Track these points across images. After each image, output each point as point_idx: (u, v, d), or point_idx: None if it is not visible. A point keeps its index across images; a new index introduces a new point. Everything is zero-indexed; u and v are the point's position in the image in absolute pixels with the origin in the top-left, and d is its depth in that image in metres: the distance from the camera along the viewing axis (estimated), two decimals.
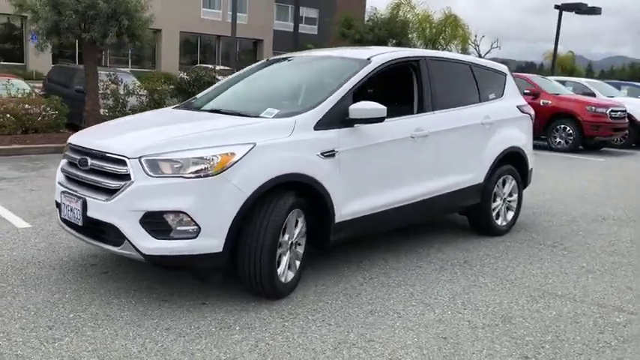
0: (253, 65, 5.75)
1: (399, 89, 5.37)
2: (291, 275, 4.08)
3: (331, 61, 5.16)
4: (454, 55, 5.92)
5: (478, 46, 31.39)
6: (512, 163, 5.96)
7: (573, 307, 4.08)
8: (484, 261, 5.07)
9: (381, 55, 4.84)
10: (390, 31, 18.71)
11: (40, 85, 16.12)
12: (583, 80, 17.57)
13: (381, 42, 18.34)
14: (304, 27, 43.10)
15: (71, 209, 3.92)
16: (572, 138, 13.68)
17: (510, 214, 6.05)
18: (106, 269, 4.41)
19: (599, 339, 3.60)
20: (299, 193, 4.02)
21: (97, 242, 3.86)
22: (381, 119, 4.33)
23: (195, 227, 3.57)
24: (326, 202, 4.15)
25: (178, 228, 3.58)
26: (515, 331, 3.65)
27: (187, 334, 3.40)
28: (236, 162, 3.67)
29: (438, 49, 20.94)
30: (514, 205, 6.06)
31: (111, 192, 3.68)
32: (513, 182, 5.97)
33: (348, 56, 5.05)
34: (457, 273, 4.72)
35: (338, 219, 4.26)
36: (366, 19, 21.14)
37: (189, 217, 3.56)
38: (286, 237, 3.96)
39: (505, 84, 6.08)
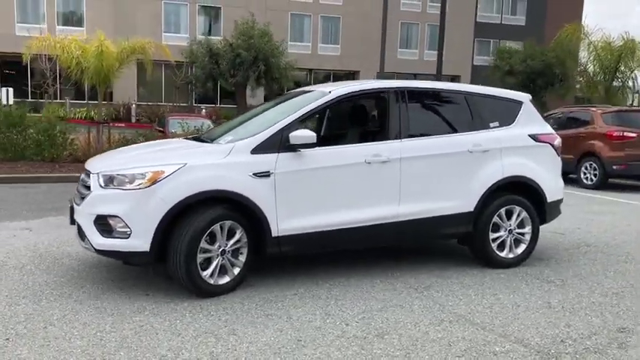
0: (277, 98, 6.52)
1: (361, 118, 5.67)
2: (226, 279, 4.70)
3: (310, 93, 5.68)
4: (444, 85, 5.92)
5: None
6: (519, 193, 5.76)
7: (482, 338, 3.99)
8: (449, 288, 5.05)
9: (343, 88, 5.26)
10: (545, 61, 17.72)
11: None
12: None
13: (535, 72, 17.49)
14: None
15: (70, 215, 5.07)
16: None
17: (521, 248, 5.80)
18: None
19: None
20: (233, 207, 4.66)
21: (79, 239, 4.93)
22: (312, 145, 4.78)
23: (128, 230, 4.43)
24: (259, 217, 4.70)
25: (117, 229, 4.48)
26: (383, 348, 3.78)
27: (121, 314, 4.22)
28: (164, 178, 4.46)
29: (619, 79, 19.18)
30: (526, 238, 5.80)
31: (83, 199, 4.74)
32: (524, 214, 5.75)
33: (320, 89, 5.54)
34: (401, 295, 4.83)
35: (275, 233, 4.77)
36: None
37: (123, 221, 4.44)
38: (216, 245, 4.60)
39: (519, 112, 5.92)
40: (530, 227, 5.80)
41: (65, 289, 4.73)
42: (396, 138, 5.27)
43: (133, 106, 29.06)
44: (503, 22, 45.67)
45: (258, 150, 4.76)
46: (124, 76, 14.52)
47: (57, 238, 6.40)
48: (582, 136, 12.93)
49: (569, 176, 12.50)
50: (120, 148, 6.62)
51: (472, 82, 42.45)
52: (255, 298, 4.62)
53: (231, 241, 4.69)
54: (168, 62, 17.50)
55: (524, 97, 6.07)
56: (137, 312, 4.26)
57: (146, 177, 4.47)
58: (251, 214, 4.70)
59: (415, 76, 43.40)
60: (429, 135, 5.46)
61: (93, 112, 25.11)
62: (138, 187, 4.46)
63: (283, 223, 4.79)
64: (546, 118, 14.38)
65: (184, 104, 30.09)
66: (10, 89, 16.66)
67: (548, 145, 5.93)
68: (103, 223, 4.52)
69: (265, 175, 4.72)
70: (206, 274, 4.57)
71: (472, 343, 3.85)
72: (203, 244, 4.52)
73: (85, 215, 4.61)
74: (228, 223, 4.64)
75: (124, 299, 4.53)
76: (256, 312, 4.32)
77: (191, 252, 4.45)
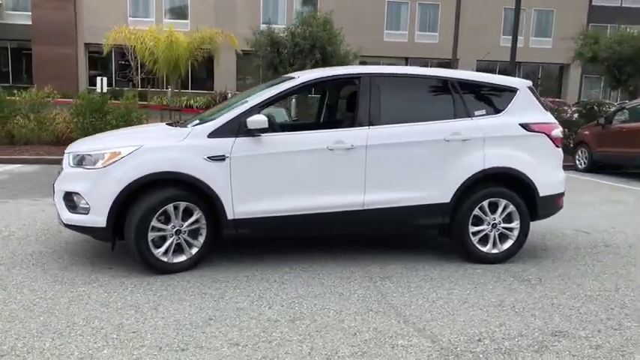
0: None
1: (329, 104, 5.58)
2: (182, 258, 4.90)
3: (280, 79, 5.68)
4: (424, 70, 5.63)
5: None
6: (506, 185, 5.45)
7: (393, 331, 3.88)
8: (407, 280, 4.92)
9: (310, 74, 5.25)
10: (635, 46, 16.10)
11: None
12: None
13: (623, 59, 15.99)
14: None
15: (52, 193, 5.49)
16: None
17: (508, 243, 5.49)
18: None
19: None
20: (189, 189, 4.84)
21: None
22: (265, 129, 4.84)
23: (88, 206, 4.76)
24: (213, 200, 4.85)
25: (80, 205, 4.82)
26: (285, 332, 3.80)
27: (71, 284, 4.57)
28: (120, 159, 4.73)
29: None
30: (514, 233, 5.48)
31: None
32: (511, 208, 5.42)
33: (291, 75, 5.55)
34: (351, 283, 4.77)
35: (231, 216, 4.90)
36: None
37: (83, 197, 4.77)
38: (170, 224, 4.81)
39: (512, 100, 5.56)
40: (518, 222, 5.46)
41: (43, 259, 5.16)
42: (363, 125, 5.18)
43: (229, 95, 30.28)
44: (623, 5, 42.13)
45: (215, 134, 4.90)
46: (224, 66, 15.16)
47: None
48: None
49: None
50: (106, 132, 7.03)
51: (584, 72, 39.67)
52: (205, 278, 4.77)
53: (188, 222, 4.87)
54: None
55: (521, 84, 5.69)
56: (87, 283, 4.57)
57: (105, 157, 4.76)
58: (207, 197, 4.85)
59: (519, 65, 41.35)
60: (403, 122, 5.30)
61: (192, 101, 26.56)
62: (97, 166, 4.76)
63: (239, 206, 4.90)
64: (622, 108, 13.29)
65: None
66: (105, 78, 17.98)
67: (542, 135, 5.53)
68: (69, 199, 4.88)
69: (220, 158, 4.84)
70: (159, 251, 4.79)
71: (378, 334, 3.75)
72: (155, 223, 4.74)
73: (57, 192, 4.99)
74: (183, 204, 4.82)
75: (86, 271, 4.86)
76: (194, 290, 4.48)
77: (142, 229, 4.69)
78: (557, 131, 5.62)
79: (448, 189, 5.29)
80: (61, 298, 4.24)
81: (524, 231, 5.50)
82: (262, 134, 4.95)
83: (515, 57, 15.03)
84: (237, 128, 4.91)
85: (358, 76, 5.32)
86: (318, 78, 5.35)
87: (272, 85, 5.49)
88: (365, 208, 5.15)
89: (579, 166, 13.73)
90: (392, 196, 5.20)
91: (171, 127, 5.44)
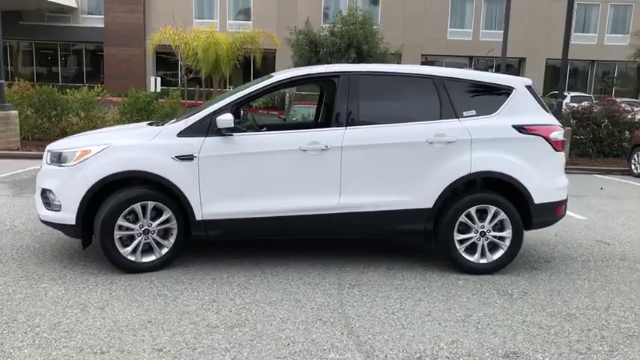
0: None
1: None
2: (151, 257, 4.87)
3: (261, 78, 5.53)
4: (409, 68, 5.28)
5: None
6: (498, 191, 5.09)
7: (330, 344, 3.68)
8: (376, 289, 4.67)
9: (286, 72, 5.08)
10: None
11: None
12: None
13: None
14: None
15: None
16: None
17: (498, 253, 5.12)
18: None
19: None
20: (158, 188, 4.81)
21: None
22: (231, 129, 4.73)
23: (60, 203, 4.82)
24: (180, 200, 4.80)
25: (53, 202, 4.89)
26: (216, 339, 3.68)
27: (37, 280, 4.65)
28: (88, 157, 4.76)
29: None
30: (505, 243, 5.10)
31: None
32: (502, 215, 5.06)
33: (271, 74, 5.40)
34: (314, 290, 4.58)
35: (200, 217, 4.83)
36: None
37: (55, 195, 4.83)
38: (138, 224, 4.79)
39: (507, 100, 5.18)
40: (510, 231, 5.08)
41: (26, 254, 5.27)
42: (340, 125, 4.97)
43: (287, 95, 30.44)
44: None
45: (184, 133, 4.84)
46: (286, 66, 15.21)
47: None
48: None
49: None
50: (97, 129, 7.13)
51: None
52: (169, 279, 4.72)
53: (157, 222, 4.83)
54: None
55: (517, 82, 5.28)
56: (53, 279, 4.63)
57: (75, 155, 4.81)
58: (175, 197, 4.80)
59: (593, 63, 39.35)
60: (383, 123, 5.05)
61: None
62: (69, 164, 4.81)
63: (208, 207, 4.82)
64: None
65: None
66: (158, 78, 18.49)
67: (539, 137, 5.11)
68: (45, 196, 4.96)
69: (188, 158, 4.78)
70: (126, 250, 4.78)
71: (312, 346, 3.57)
72: (122, 222, 4.73)
73: (36, 189, 5.09)
74: (151, 204, 4.79)
75: (59, 268, 4.93)
76: (151, 291, 4.43)
77: (107, 228, 4.69)
78: (557, 133, 5.18)
79: (430, 194, 4.99)
80: (19, 293, 4.30)
81: (516, 241, 5.11)
82: (235, 134, 4.85)
83: (568, 54, 14.17)
84: (207, 127, 4.83)
85: (337, 75, 5.11)
86: (293, 77, 5.18)
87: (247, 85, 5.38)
88: (341, 211, 4.94)
89: (635, 170, 12.78)
90: (369, 199, 4.96)
91: (150, 126, 5.44)
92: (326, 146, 4.87)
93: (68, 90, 15.09)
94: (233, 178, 4.84)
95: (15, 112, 13.46)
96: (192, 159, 4.78)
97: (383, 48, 13.39)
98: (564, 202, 5.32)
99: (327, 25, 14.81)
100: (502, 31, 35.70)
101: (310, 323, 3.92)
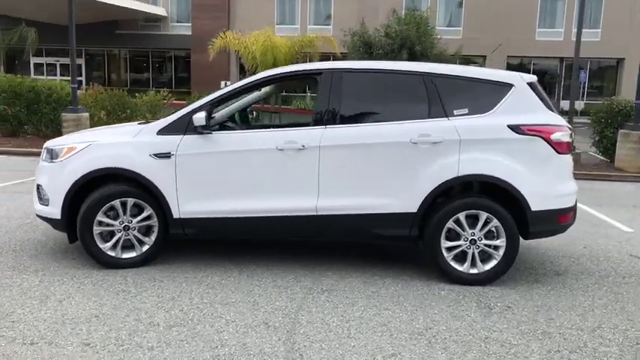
0: None
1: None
2: (132, 254, 4.94)
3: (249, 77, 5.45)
4: (397, 65, 4.95)
5: None
6: (491, 197, 4.71)
7: (260, 349, 3.54)
8: (346, 296, 4.45)
9: (272, 70, 4.99)
10: None
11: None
12: None
13: None
14: None
15: None
16: None
17: (491, 263, 4.73)
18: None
19: None
20: (137, 186, 4.86)
21: None
22: (203, 127, 4.70)
23: (48, 198, 4.99)
24: (157, 197, 4.82)
25: (44, 197, 5.07)
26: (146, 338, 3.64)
27: (19, 271, 4.85)
28: (74, 154, 4.90)
29: None
30: (498, 252, 4.71)
31: None
32: (495, 222, 4.67)
33: (260, 73, 5.31)
34: (279, 294, 4.43)
35: (177, 215, 4.83)
36: None
37: (44, 189, 5.01)
38: (118, 220, 4.87)
39: (505, 98, 4.78)
40: (504, 240, 4.69)
41: (29, 246, 5.50)
42: (320, 124, 4.80)
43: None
44: None
45: (164, 131, 4.86)
46: None
47: None
48: None
49: None
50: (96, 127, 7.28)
51: None
52: (144, 276, 4.75)
53: (138, 219, 4.88)
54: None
55: (517, 79, 4.85)
56: (36, 271, 4.79)
57: (62, 152, 4.96)
58: (154, 194, 4.83)
59: None
60: (366, 122, 4.83)
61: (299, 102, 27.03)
62: (57, 161, 4.97)
63: (185, 205, 4.81)
64: None
65: None
66: (228, 82, 18.94)
67: (538, 138, 4.67)
68: (38, 191, 5.16)
69: (166, 156, 4.79)
70: (106, 246, 4.86)
71: (239, 350, 3.43)
72: (102, 218, 4.82)
73: (35, 184, 5.31)
74: (131, 201, 4.85)
75: (50, 260, 5.09)
76: (118, 287, 4.47)
77: (86, 223, 4.80)
78: (560, 134, 4.71)
79: (415, 197, 4.70)
80: None
81: (511, 250, 4.70)
82: (214, 132, 4.82)
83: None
84: (185, 126, 4.82)
85: (319, 72, 4.94)
86: (276, 74, 5.07)
87: None
88: (319, 213, 4.76)
89: None
90: (349, 202, 4.75)
91: (139, 124, 5.52)
92: (303, 146, 4.72)
93: (137, 94, 15.79)
94: (210, 177, 4.80)
95: (86, 115, 14.24)
96: (169, 157, 4.79)
97: (440, 48, 12.92)
98: (570, 210, 4.83)
99: (359, 27, 14.57)
100: (598, 30, 33.63)
101: (253, 327, 3.79)
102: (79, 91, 14.89)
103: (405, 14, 13.92)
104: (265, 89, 6.07)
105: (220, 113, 5.27)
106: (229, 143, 4.82)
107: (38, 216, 5.21)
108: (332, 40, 14.37)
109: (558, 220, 4.78)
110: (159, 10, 34.84)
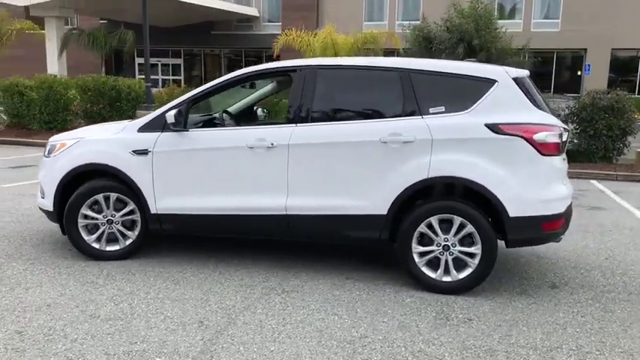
0: None
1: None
2: (116, 247, 5.12)
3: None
4: (373, 61, 4.66)
5: None
6: (466, 200, 4.40)
7: (174, 347, 3.53)
8: (313, 298, 4.34)
9: (251, 67, 4.97)
10: None
11: None
12: None
13: None
14: None
15: None
16: None
17: (466, 271, 4.42)
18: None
19: None
20: (119, 181, 5.03)
21: None
22: (173, 124, 4.75)
23: (44, 191, 5.29)
24: (135, 193, 4.96)
25: (42, 190, 5.38)
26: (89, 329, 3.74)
27: (7, 264, 5.17)
28: (65, 149, 5.15)
29: None
30: (474, 260, 4.39)
31: None
32: (469, 228, 4.36)
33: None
34: (236, 292, 4.40)
35: (154, 210, 4.95)
36: None
37: (41, 183, 5.32)
38: (102, 215, 5.06)
39: (486, 94, 4.43)
40: (479, 247, 4.37)
41: (36, 236, 5.85)
42: (291, 122, 4.71)
43: None
44: None
45: (144, 128, 4.99)
46: None
47: None
48: None
49: None
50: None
51: None
52: (121, 269, 4.89)
53: (121, 213, 5.05)
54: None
55: (501, 74, 4.48)
56: (27, 260, 5.07)
57: (56, 148, 5.23)
58: (133, 190, 4.97)
59: None
60: (337, 120, 4.68)
61: None
62: (51, 156, 5.25)
63: (160, 201, 4.91)
64: None
65: None
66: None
67: (519, 138, 4.30)
68: (40, 185, 5.47)
69: (143, 152, 4.91)
70: (90, 238, 5.07)
71: (152, 346, 3.44)
72: (86, 211, 5.03)
73: None
74: (114, 195, 5.02)
75: (46, 250, 5.38)
76: (88, 278, 4.64)
77: (71, 216, 5.02)
78: (544, 134, 4.29)
79: (384, 199, 4.49)
80: None
81: (487, 259, 4.37)
82: (191, 130, 4.89)
83: None
84: (163, 123, 4.91)
85: (293, 69, 4.85)
86: (251, 72, 5.01)
87: None
88: (288, 213, 4.68)
89: None
90: (318, 201, 4.62)
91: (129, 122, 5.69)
92: (272, 144, 4.65)
93: None
94: (182, 174, 4.86)
95: None
96: (146, 153, 4.90)
97: (503, 43, 12.17)
98: (556, 217, 4.39)
99: (420, 21, 14.02)
100: None
101: (185, 325, 3.79)
102: (155, 90, 15.67)
103: (469, 6, 13.26)
104: (267, 88, 6.09)
105: (232, 108, 5.44)
106: (203, 141, 4.85)
107: (40, 208, 5.52)
108: (395, 36, 14.03)
109: (542, 227, 4.37)
110: (251, 11, 35.81)
